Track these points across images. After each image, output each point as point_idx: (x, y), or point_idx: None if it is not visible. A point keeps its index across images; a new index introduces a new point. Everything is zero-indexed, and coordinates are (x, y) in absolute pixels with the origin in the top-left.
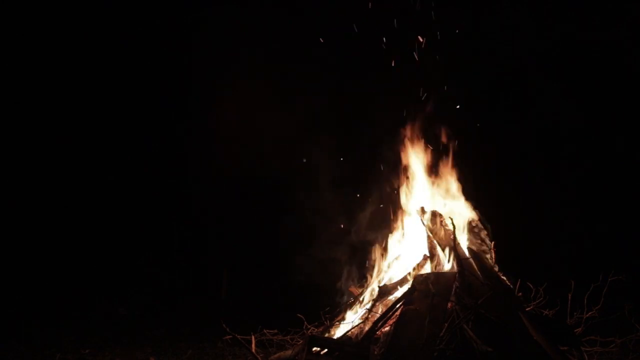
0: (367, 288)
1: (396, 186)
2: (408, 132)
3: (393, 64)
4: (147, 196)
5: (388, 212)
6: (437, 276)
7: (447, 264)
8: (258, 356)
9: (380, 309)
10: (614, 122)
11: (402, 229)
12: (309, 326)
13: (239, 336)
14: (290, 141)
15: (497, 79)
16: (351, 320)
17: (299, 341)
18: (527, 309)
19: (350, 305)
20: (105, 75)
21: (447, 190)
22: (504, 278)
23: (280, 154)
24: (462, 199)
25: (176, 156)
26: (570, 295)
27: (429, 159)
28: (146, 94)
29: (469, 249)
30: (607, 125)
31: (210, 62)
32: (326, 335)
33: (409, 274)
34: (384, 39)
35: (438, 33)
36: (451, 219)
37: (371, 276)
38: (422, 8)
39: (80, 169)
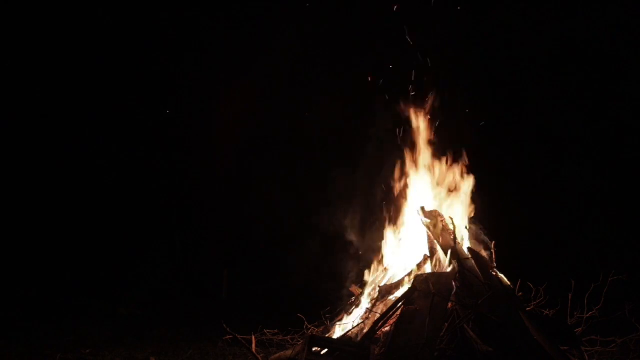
0: (367, 288)
1: (397, 186)
2: (410, 132)
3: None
4: (147, 196)
5: (389, 212)
6: (437, 276)
7: (448, 264)
8: (258, 356)
9: (380, 309)
10: (614, 122)
11: (403, 228)
12: (309, 326)
13: (239, 336)
14: (290, 141)
15: (497, 79)
16: (352, 320)
17: (299, 341)
18: (527, 309)
19: (350, 305)
20: (106, 75)
21: (448, 190)
22: (504, 278)
23: (280, 153)
24: (462, 199)
25: (177, 156)
26: (570, 295)
27: (431, 158)
28: (147, 94)
29: (470, 249)
30: (608, 125)
31: (211, 61)
32: (326, 335)
33: (410, 273)
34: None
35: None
36: (451, 219)
37: (372, 276)
38: (422, 9)
39: (81, 168)
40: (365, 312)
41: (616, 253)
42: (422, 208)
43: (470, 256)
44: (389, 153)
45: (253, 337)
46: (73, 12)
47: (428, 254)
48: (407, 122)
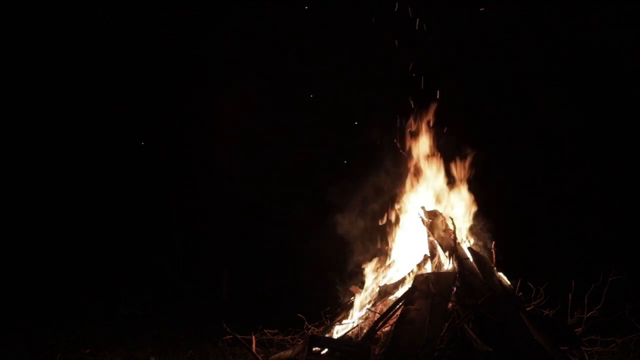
0: (367, 288)
1: (397, 186)
2: (410, 131)
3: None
4: (148, 196)
5: (389, 212)
6: (437, 276)
7: (448, 264)
8: (258, 356)
9: (380, 309)
10: (614, 121)
11: (403, 228)
12: (309, 326)
13: (239, 336)
14: (290, 141)
15: (497, 80)
16: (352, 320)
17: (299, 341)
18: (527, 309)
19: (351, 305)
20: (105, 74)
21: (448, 191)
22: (505, 278)
23: (281, 154)
24: (463, 198)
25: (177, 156)
26: (570, 295)
27: (431, 158)
28: (148, 92)
29: (470, 249)
30: (608, 125)
31: (212, 61)
32: (327, 335)
33: (410, 274)
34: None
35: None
36: (451, 219)
37: (372, 276)
38: (424, 9)
39: (80, 167)
40: (366, 312)
41: (617, 253)
42: (423, 208)
43: (470, 256)
44: (390, 153)
45: (253, 337)
46: (73, 12)
47: (428, 254)
48: (408, 123)
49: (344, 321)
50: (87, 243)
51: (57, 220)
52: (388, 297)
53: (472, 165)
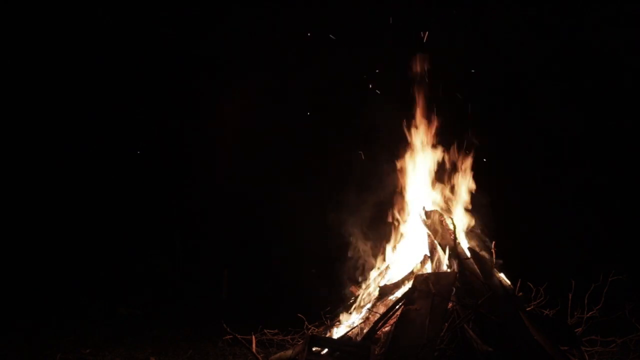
0: (367, 288)
1: (397, 186)
2: (410, 132)
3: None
4: (147, 196)
5: (389, 212)
6: (437, 276)
7: (448, 264)
8: (259, 356)
9: (380, 309)
10: (614, 121)
11: (403, 228)
12: (309, 326)
13: (239, 336)
14: (290, 141)
15: (498, 79)
16: (352, 320)
17: (299, 341)
18: (527, 309)
19: (350, 305)
20: (106, 75)
21: (449, 191)
22: (505, 278)
23: (281, 154)
24: (463, 199)
25: (177, 156)
26: (570, 295)
27: (431, 157)
28: (148, 92)
29: (470, 249)
30: (608, 124)
31: (211, 61)
32: (327, 335)
33: (410, 274)
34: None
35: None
36: (452, 219)
37: (372, 276)
38: (425, 9)
39: (80, 168)
40: (366, 312)
41: (617, 253)
42: (423, 208)
43: (470, 256)
44: (391, 153)
45: (253, 337)
46: (73, 12)
47: (428, 254)
48: (409, 123)
49: (344, 321)
50: (87, 243)
51: (57, 221)
52: (388, 297)
53: (472, 167)
